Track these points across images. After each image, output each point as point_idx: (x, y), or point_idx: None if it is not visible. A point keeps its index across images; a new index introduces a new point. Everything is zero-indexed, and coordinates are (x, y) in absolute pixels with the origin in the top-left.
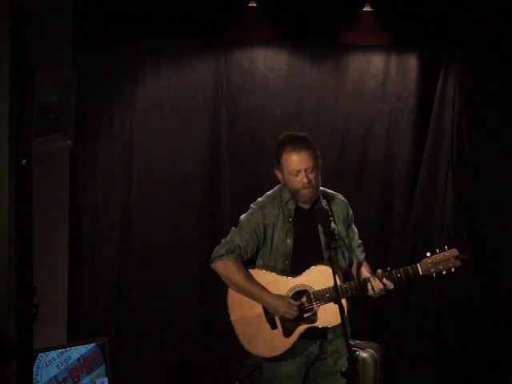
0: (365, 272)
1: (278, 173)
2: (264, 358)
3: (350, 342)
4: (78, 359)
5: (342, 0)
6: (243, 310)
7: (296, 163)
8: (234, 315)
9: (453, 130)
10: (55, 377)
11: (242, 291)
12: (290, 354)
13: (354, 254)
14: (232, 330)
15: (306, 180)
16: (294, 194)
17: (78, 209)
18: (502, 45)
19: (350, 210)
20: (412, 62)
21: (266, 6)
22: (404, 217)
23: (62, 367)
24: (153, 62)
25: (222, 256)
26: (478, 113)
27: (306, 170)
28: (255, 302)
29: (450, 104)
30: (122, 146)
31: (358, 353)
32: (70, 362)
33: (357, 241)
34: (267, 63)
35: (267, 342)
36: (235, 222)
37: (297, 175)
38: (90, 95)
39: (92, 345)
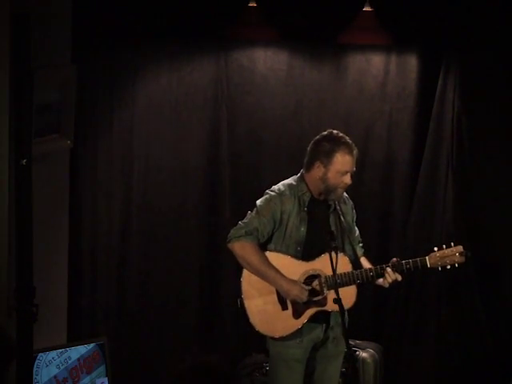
0: (366, 264)
1: (319, 166)
2: (273, 338)
3: (350, 343)
4: (78, 359)
5: (341, 0)
6: (255, 290)
7: (350, 165)
8: (246, 294)
9: (453, 130)
10: (55, 377)
11: (257, 272)
12: (297, 334)
13: (357, 249)
14: (242, 307)
15: (350, 181)
16: (329, 191)
17: (77, 209)
18: (502, 45)
19: (354, 211)
20: (412, 61)
21: (266, 6)
22: (404, 217)
23: (62, 367)
24: (153, 61)
25: (240, 237)
26: (478, 113)
27: (351, 173)
28: (267, 283)
29: (449, 104)
30: (121, 146)
31: (357, 353)
32: (69, 362)
33: (358, 238)
34: (267, 63)
35: (277, 321)
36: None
37: (344, 175)
38: (90, 95)
39: (92, 345)
